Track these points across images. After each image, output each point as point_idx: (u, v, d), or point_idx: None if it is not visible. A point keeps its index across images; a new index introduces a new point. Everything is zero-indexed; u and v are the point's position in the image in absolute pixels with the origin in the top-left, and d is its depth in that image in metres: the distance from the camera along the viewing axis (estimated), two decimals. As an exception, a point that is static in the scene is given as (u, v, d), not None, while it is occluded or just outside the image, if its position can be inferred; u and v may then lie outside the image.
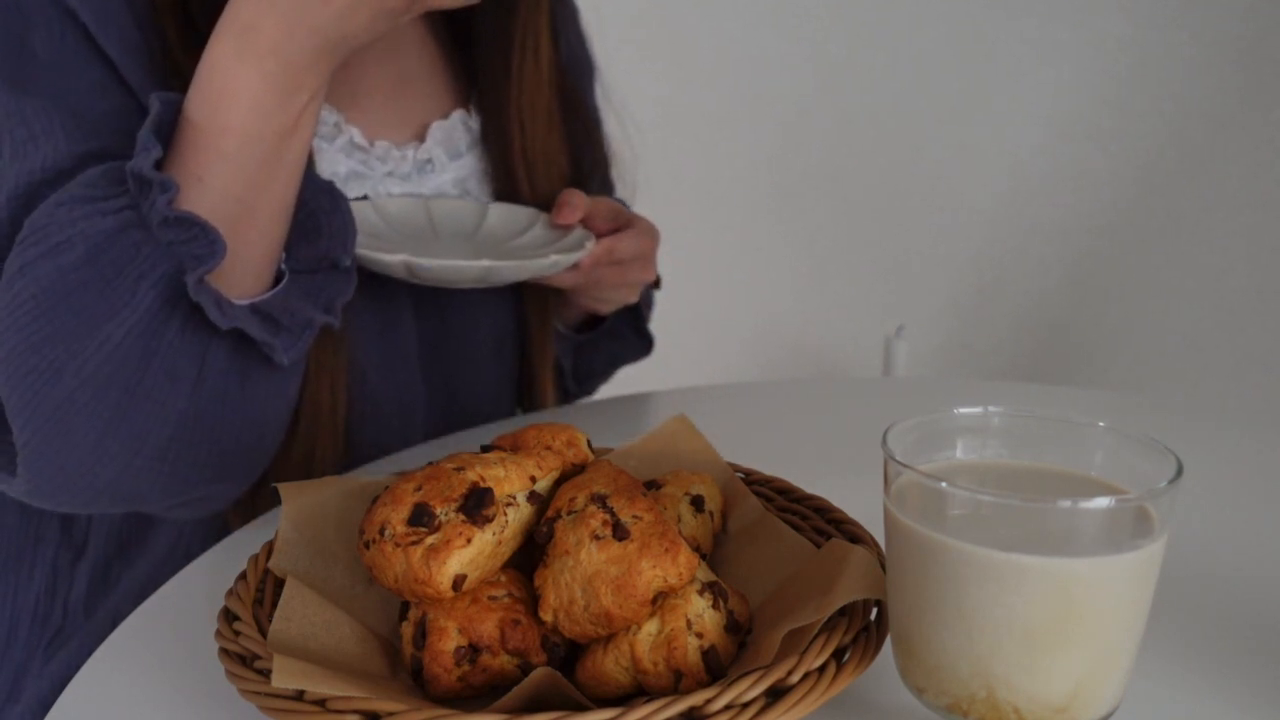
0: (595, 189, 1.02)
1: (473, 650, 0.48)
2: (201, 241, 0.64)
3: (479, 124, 0.93)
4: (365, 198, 0.87)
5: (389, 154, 0.88)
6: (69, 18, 0.73)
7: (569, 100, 0.99)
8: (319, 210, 0.74)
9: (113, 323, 0.63)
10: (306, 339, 0.70)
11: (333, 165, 0.85)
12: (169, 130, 0.67)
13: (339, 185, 0.83)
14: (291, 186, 0.70)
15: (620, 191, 1.07)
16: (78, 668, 0.75)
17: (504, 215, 0.90)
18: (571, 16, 1.03)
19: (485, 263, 0.77)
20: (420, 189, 0.90)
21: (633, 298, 0.97)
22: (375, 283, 0.83)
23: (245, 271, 0.68)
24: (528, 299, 0.95)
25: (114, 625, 0.77)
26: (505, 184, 0.93)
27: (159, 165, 0.65)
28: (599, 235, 0.89)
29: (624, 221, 0.91)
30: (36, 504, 0.68)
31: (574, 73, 1.02)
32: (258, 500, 0.77)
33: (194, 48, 0.72)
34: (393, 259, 0.75)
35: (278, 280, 0.72)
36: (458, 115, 0.93)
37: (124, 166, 0.66)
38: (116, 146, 0.70)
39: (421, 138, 0.91)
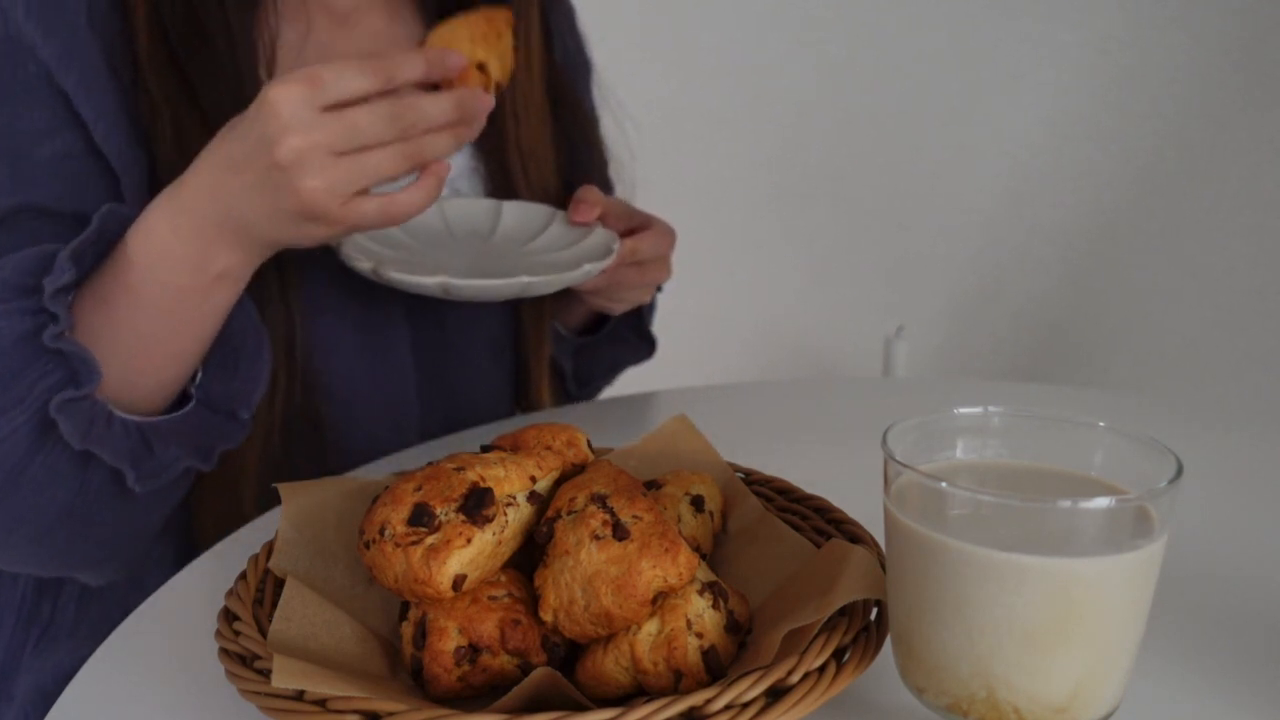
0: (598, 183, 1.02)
1: (473, 650, 0.48)
2: (79, 371, 0.67)
3: None
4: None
5: None
6: (27, 54, 0.73)
7: (564, 99, 0.99)
8: (242, 350, 0.75)
9: (4, 419, 0.66)
10: (166, 478, 0.72)
11: None
12: (98, 247, 0.69)
13: None
14: (200, 337, 0.72)
15: (619, 191, 1.07)
16: (69, 666, 0.75)
17: (519, 214, 0.89)
18: (568, 16, 1.03)
19: (523, 279, 0.75)
20: None
21: (647, 298, 0.97)
22: (365, 286, 0.84)
23: (138, 395, 0.71)
24: (524, 303, 0.95)
25: (104, 622, 0.77)
26: (499, 182, 0.92)
27: (71, 283, 0.67)
28: (614, 226, 0.88)
29: (639, 220, 0.91)
30: None
31: (570, 72, 1.01)
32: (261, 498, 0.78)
33: (171, 84, 0.75)
34: (430, 281, 0.74)
35: (185, 399, 0.74)
36: None
37: (37, 261, 0.68)
38: (52, 196, 0.73)
39: None
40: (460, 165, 0.92)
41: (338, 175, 0.64)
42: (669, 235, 0.91)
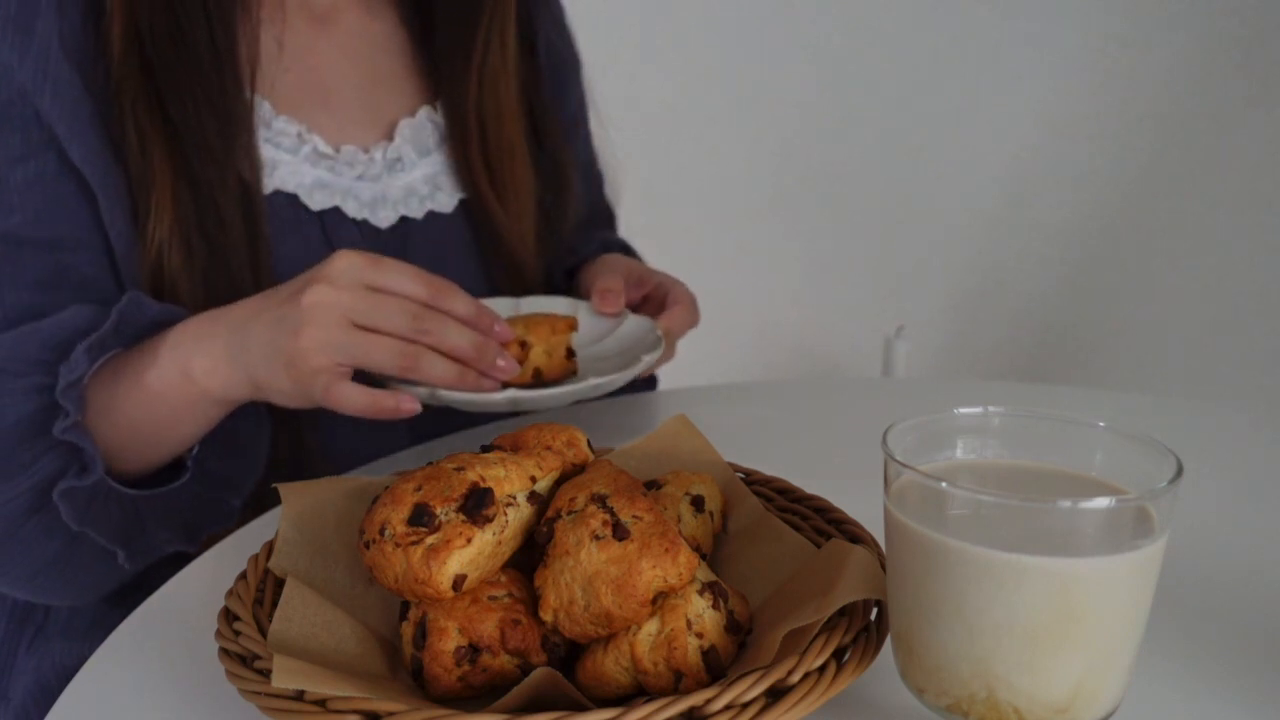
0: (578, 186, 1.03)
1: (473, 650, 0.47)
2: (85, 463, 0.70)
3: (443, 120, 0.93)
4: (337, 209, 0.86)
5: (356, 158, 0.88)
6: (2, 78, 0.74)
7: (544, 98, 0.99)
8: (242, 433, 0.78)
9: (7, 485, 0.69)
10: (153, 557, 0.75)
11: (298, 177, 0.84)
12: (118, 338, 0.72)
13: (304, 197, 0.84)
14: (189, 438, 0.75)
15: (606, 189, 1.07)
16: (68, 664, 0.76)
17: (540, 307, 0.88)
18: (555, 14, 1.03)
19: (591, 381, 0.75)
20: (390, 188, 0.89)
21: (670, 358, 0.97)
22: None
23: (129, 466, 0.74)
24: (502, 288, 0.95)
25: (99, 620, 0.78)
26: (468, 181, 0.92)
27: (85, 376, 0.70)
28: (630, 303, 0.88)
29: (651, 283, 0.90)
30: None
31: (556, 69, 1.01)
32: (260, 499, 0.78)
33: (155, 110, 0.76)
34: (499, 397, 0.73)
35: (180, 468, 0.77)
36: (424, 112, 0.93)
37: (55, 335, 0.71)
38: (27, 222, 0.74)
39: (390, 136, 0.91)
40: (438, 164, 0.92)
41: (335, 336, 0.66)
42: (692, 304, 0.90)
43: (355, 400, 0.68)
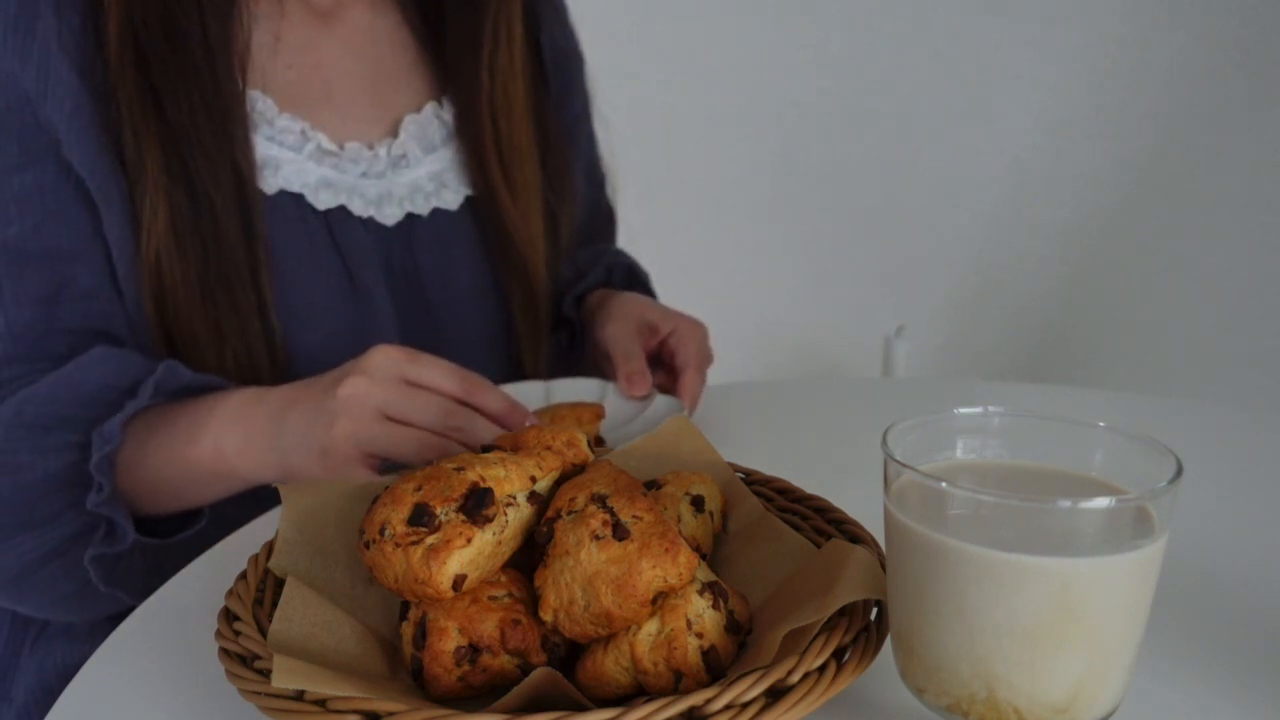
0: (582, 183, 1.02)
1: (473, 650, 0.47)
2: (116, 535, 0.73)
3: (452, 116, 0.93)
4: (343, 207, 0.86)
5: (360, 155, 0.87)
6: (2, 85, 0.74)
7: (550, 91, 0.99)
8: (264, 487, 0.78)
9: (32, 533, 0.72)
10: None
11: (302, 176, 0.84)
12: (152, 403, 0.74)
13: (309, 196, 0.84)
14: (207, 500, 0.77)
15: (607, 190, 1.07)
16: (69, 664, 0.77)
17: (569, 390, 0.89)
18: (557, 10, 1.03)
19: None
20: (395, 185, 0.89)
21: None
22: (350, 284, 0.84)
23: (150, 514, 0.77)
24: (514, 297, 0.95)
25: (97, 624, 0.78)
26: (480, 177, 0.92)
27: (116, 451, 0.72)
28: (645, 351, 0.88)
29: (664, 333, 0.90)
30: None
31: (560, 64, 1.01)
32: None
33: (155, 108, 0.77)
34: None
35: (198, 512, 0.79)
36: (430, 108, 0.92)
37: (89, 392, 0.73)
38: (24, 233, 0.75)
39: (395, 132, 0.91)
40: (444, 160, 0.92)
41: (367, 428, 0.67)
42: (701, 346, 0.90)
43: (348, 476, 0.69)
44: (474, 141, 0.92)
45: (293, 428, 0.70)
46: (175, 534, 0.77)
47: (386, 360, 0.69)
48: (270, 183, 0.82)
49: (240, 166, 0.80)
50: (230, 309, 0.78)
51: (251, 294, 0.79)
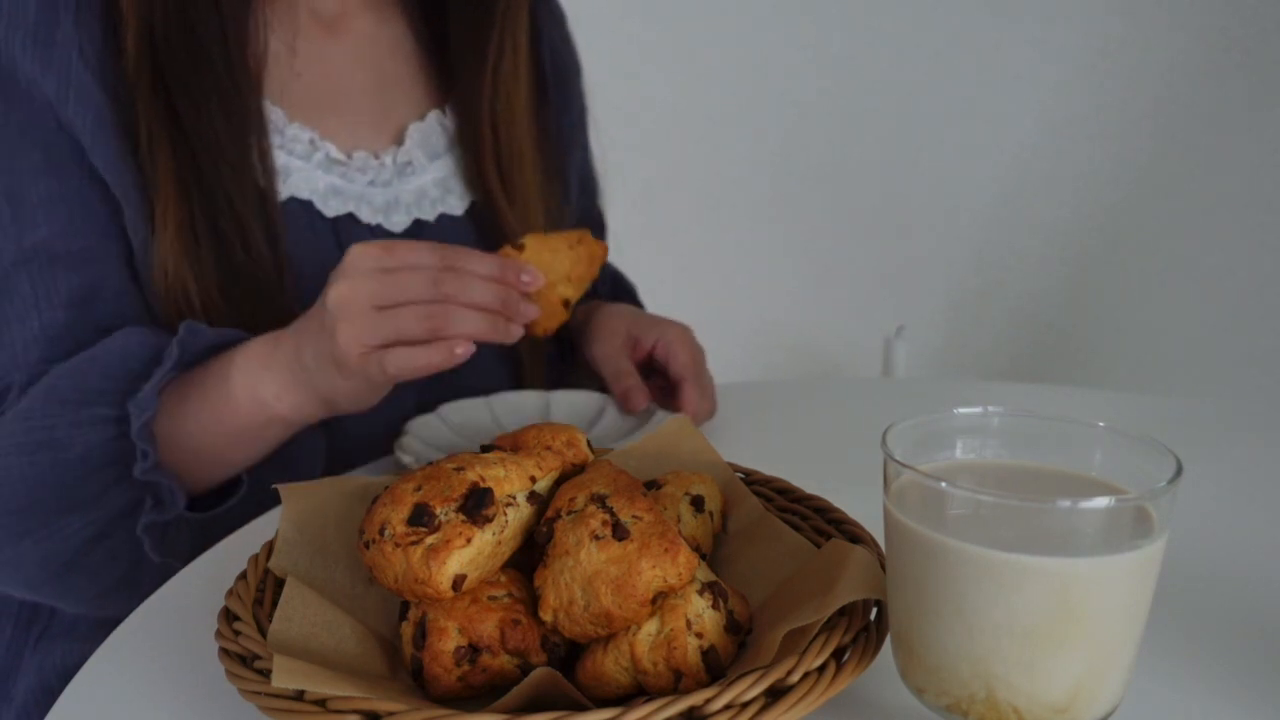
0: (575, 188, 1.03)
1: (473, 650, 0.47)
2: (164, 500, 0.73)
3: (454, 125, 0.93)
4: (351, 215, 0.86)
5: (368, 164, 0.88)
6: (23, 89, 0.75)
7: (550, 99, 0.99)
8: (298, 443, 0.79)
9: (79, 514, 0.71)
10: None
11: (310, 183, 0.85)
12: (180, 369, 0.74)
13: (318, 203, 0.84)
14: (250, 459, 0.77)
15: (598, 199, 1.07)
16: (70, 664, 0.77)
17: (568, 403, 0.88)
18: (556, 19, 1.03)
19: None
20: (402, 192, 0.89)
21: None
22: None
23: (190, 483, 0.76)
24: None
25: (103, 621, 0.78)
26: (479, 184, 0.92)
27: (154, 416, 0.72)
28: (635, 362, 0.88)
29: (650, 343, 0.90)
30: None
31: (559, 73, 1.02)
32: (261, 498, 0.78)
33: (169, 114, 0.77)
34: None
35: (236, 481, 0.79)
36: (434, 115, 0.93)
37: (120, 365, 0.73)
38: (53, 235, 0.75)
39: (400, 140, 0.91)
40: (448, 168, 0.92)
41: (365, 326, 0.67)
42: (693, 351, 0.90)
43: (413, 361, 0.68)
44: (473, 150, 0.92)
45: (309, 355, 0.70)
46: (216, 507, 0.77)
47: (362, 257, 0.68)
48: (280, 189, 0.83)
49: (259, 178, 0.80)
50: (252, 314, 0.79)
51: (279, 299, 0.80)
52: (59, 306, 0.76)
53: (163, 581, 0.73)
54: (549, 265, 0.76)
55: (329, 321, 0.68)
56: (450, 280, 0.68)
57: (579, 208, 1.06)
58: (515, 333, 0.71)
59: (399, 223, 0.89)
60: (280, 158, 0.83)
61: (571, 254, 0.77)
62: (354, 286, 0.67)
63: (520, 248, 0.76)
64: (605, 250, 0.79)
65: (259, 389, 0.72)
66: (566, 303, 0.77)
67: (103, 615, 0.81)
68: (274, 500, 0.74)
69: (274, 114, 0.84)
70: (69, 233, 0.76)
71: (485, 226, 0.93)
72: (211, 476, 0.77)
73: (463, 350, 0.69)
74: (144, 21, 0.76)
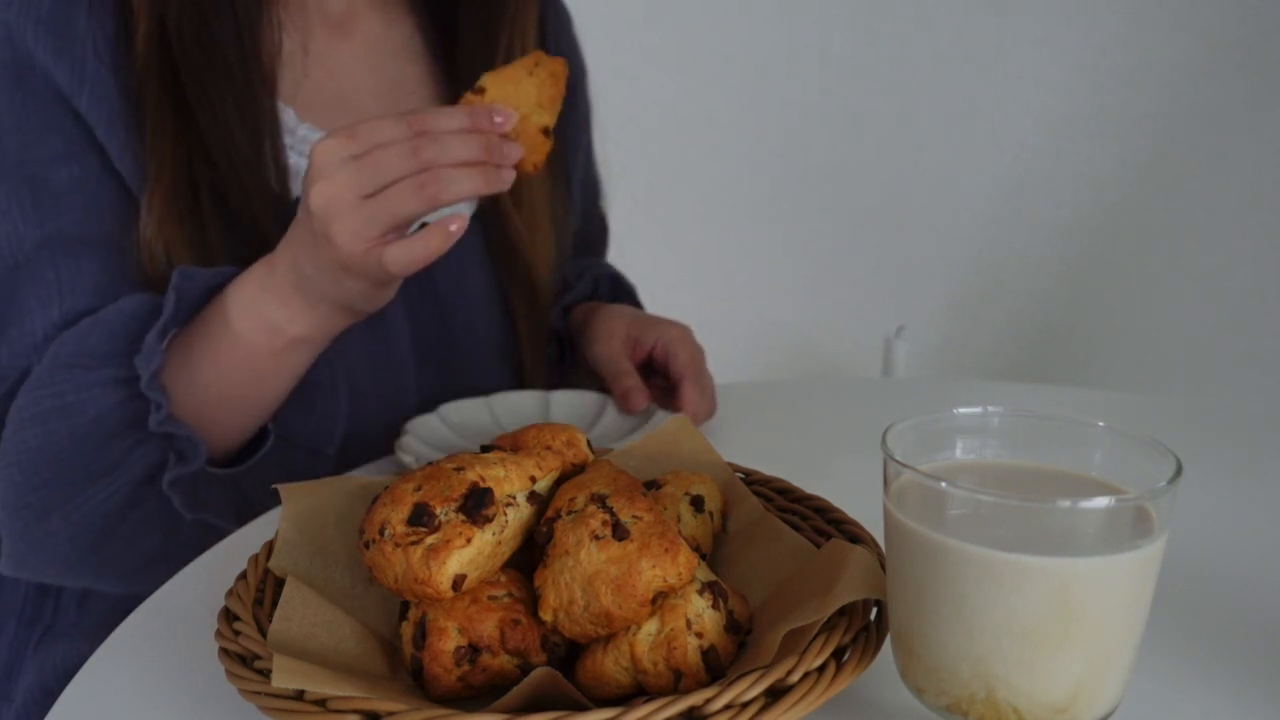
0: (578, 190, 1.02)
1: (473, 650, 0.48)
2: (185, 450, 0.71)
3: None
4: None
5: None
6: (40, 78, 0.75)
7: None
8: (317, 387, 0.78)
9: (103, 482, 0.71)
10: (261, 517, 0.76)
11: None
12: (180, 314, 0.72)
13: None
14: (275, 394, 0.75)
15: (600, 201, 1.07)
16: (70, 664, 0.77)
17: (568, 403, 0.88)
18: (563, 23, 1.03)
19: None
20: None
21: None
22: None
23: (214, 442, 0.75)
24: (519, 308, 0.95)
25: (105, 621, 0.78)
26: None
27: (162, 365, 0.71)
28: (635, 363, 0.88)
29: (650, 344, 0.90)
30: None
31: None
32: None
33: (178, 109, 0.76)
34: None
35: (263, 436, 0.78)
36: None
37: (122, 325, 0.72)
38: (73, 222, 0.75)
39: None
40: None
41: (359, 219, 0.65)
42: (703, 376, 0.90)
43: (411, 254, 0.67)
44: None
45: (310, 269, 0.68)
46: (244, 461, 0.76)
47: (329, 150, 0.66)
48: (292, 190, 0.83)
49: (272, 180, 0.80)
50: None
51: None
52: (81, 293, 0.75)
53: (199, 552, 0.71)
54: (516, 99, 0.72)
55: (319, 227, 0.65)
56: (428, 146, 0.65)
57: (581, 209, 1.06)
58: (508, 177, 0.69)
59: None
60: (291, 158, 0.83)
61: (534, 80, 0.74)
62: (333, 183, 0.65)
63: (481, 91, 0.72)
64: (565, 65, 0.75)
65: (267, 315, 0.70)
66: (546, 130, 0.73)
67: (141, 591, 0.81)
68: (274, 500, 0.74)
69: (285, 114, 0.84)
70: (91, 219, 0.75)
71: (492, 229, 0.93)
72: (244, 425, 0.75)
73: (457, 227, 0.67)
74: (155, 19, 0.76)
